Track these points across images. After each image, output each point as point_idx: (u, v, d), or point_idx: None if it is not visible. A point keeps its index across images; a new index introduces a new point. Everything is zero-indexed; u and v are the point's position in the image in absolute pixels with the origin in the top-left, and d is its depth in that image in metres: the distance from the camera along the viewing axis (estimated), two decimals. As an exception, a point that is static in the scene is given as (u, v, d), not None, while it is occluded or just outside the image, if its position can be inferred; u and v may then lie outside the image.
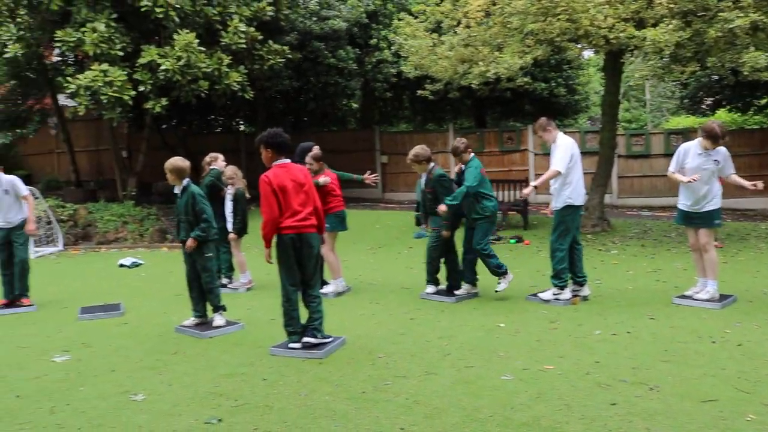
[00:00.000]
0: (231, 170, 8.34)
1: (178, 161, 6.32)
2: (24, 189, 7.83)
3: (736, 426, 3.74)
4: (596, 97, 27.23)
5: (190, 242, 6.24)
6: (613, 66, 12.70)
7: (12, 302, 7.79)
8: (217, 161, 8.49)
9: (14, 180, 7.81)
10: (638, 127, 31.48)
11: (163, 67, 12.70)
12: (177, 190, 6.38)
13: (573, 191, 6.95)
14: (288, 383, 4.69)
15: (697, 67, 11.75)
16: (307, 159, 7.74)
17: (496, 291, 7.35)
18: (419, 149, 7.42)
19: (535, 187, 7.07)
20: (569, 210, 6.99)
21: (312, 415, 4.07)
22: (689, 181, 6.56)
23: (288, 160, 5.54)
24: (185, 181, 6.34)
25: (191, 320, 6.47)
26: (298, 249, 5.40)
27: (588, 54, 21.40)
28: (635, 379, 4.55)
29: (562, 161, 6.87)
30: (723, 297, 6.85)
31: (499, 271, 7.30)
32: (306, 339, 5.47)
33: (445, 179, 7.43)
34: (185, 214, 6.31)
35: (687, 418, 3.85)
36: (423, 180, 7.58)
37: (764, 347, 5.24)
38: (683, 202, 6.87)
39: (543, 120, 7.19)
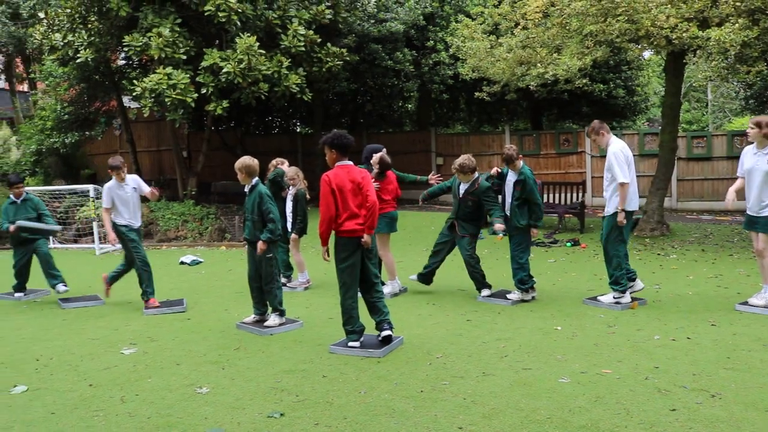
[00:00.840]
0: (292, 171, 8.50)
1: (248, 160, 6.48)
2: (146, 186, 7.93)
3: (801, 435, 3.68)
4: (656, 98, 26.67)
5: (260, 245, 6.34)
6: (674, 67, 12.46)
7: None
8: (283, 165, 8.70)
9: (138, 178, 7.92)
10: (699, 129, 30.72)
11: (224, 70, 13.01)
12: (246, 189, 6.52)
13: (626, 197, 6.88)
14: (347, 380, 4.79)
15: (764, 67, 11.44)
16: (373, 160, 7.83)
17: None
18: (465, 160, 7.56)
19: (623, 210, 6.91)
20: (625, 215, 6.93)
21: (372, 413, 4.16)
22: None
23: (350, 162, 5.64)
24: (254, 180, 6.48)
25: (252, 317, 6.64)
26: (359, 250, 5.51)
27: (648, 54, 20.98)
28: (696, 385, 4.50)
29: (623, 172, 6.80)
30: (788, 304, 6.67)
31: (521, 286, 7.41)
32: (385, 333, 5.58)
33: (491, 192, 7.53)
34: (251, 212, 6.46)
35: (752, 428, 3.79)
36: (463, 187, 7.64)
37: (832, 356, 5.11)
38: (747, 205, 6.73)
39: (596, 123, 7.15)
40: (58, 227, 9.59)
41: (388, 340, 5.57)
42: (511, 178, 7.45)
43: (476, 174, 7.62)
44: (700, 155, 17.34)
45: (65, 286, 8.53)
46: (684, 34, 9.97)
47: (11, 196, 8.74)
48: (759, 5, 9.78)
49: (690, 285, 8.24)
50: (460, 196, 7.66)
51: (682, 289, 7.95)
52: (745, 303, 6.79)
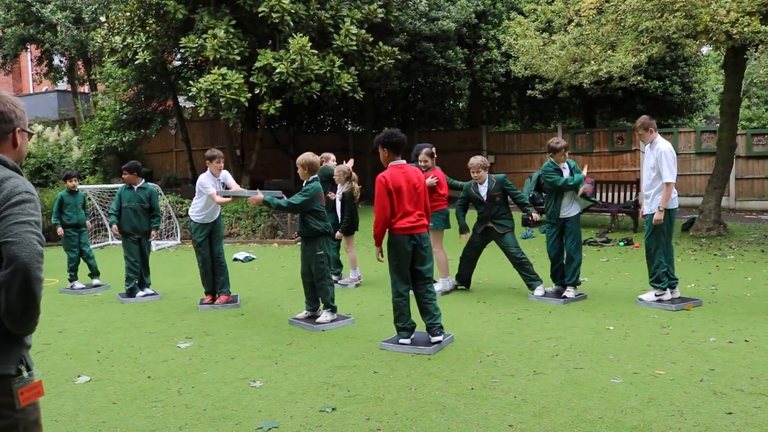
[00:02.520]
0: (339, 172, 8.51)
1: (309, 156, 6.58)
2: (235, 184, 7.96)
3: None
4: (714, 95, 25.95)
5: (256, 198, 6.47)
6: (734, 62, 12.13)
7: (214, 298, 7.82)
8: (328, 161, 8.77)
9: (228, 175, 7.92)
10: (760, 126, 29.76)
11: (277, 70, 13.21)
12: (304, 184, 6.61)
13: (669, 197, 6.88)
14: (398, 377, 4.84)
15: (829, 63, 11.05)
16: (421, 156, 7.87)
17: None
18: (484, 158, 7.84)
19: (663, 210, 6.88)
20: (666, 214, 6.90)
21: (422, 409, 4.20)
22: None
23: (404, 161, 5.68)
24: (313, 176, 6.57)
25: (304, 313, 6.75)
26: (412, 248, 5.54)
27: (706, 50, 20.45)
28: (754, 389, 4.40)
29: (672, 172, 6.81)
30: None
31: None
32: (435, 338, 5.57)
33: (508, 180, 7.90)
34: None
35: (810, 431, 3.71)
36: (483, 188, 7.74)
37: None
38: None
39: (646, 118, 7.05)
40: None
41: (435, 344, 5.57)
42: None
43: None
44: (760, 153, 16.83)
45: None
46: (745, 29, 9.70)
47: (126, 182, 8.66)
48: (825, -3, 9.47)
49: (748, 286, 8.03)
50: (485, 197, 7.65)
51: (739, 291, 7.76)
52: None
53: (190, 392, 4.67)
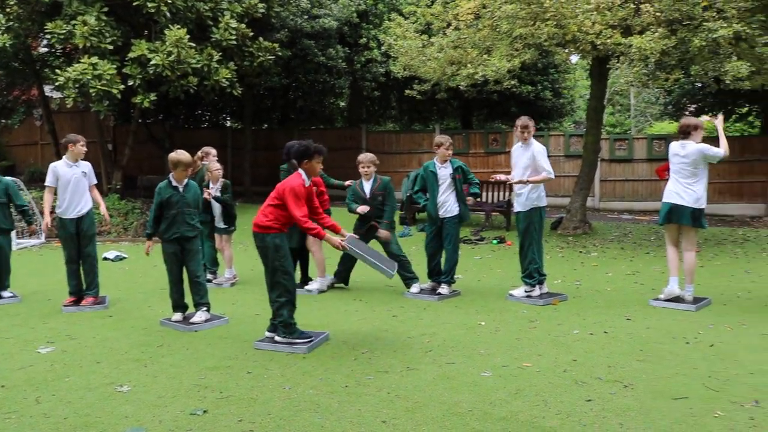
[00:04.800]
0: (213, 171, 8.23)
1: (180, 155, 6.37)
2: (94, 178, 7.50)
3: (704, 422, 3.88)
4: (581, 101, 27.49)
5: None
6: (599, 71, 12.88)
7: (80, 299, 7.35)
8: (208, 156, 8.52)
9: (88, 166, 7.42)
10: (622, 132, 31.80)
11: (153, 62, 12.72)
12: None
13: (539, 195, 7.28)
14: (272, 376, 4.77)
15: (681, 75, 11.97)
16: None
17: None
18: (372, 156, 7.92)
19: (527, 182, 7.21)
20: (537, 212, 7.27)
21: (296, 408, 4.16)
22: None
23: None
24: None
25: (179, 314, 6.52)
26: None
27: (575, 58, 21.61)
28: (610, 377, 4.68)
29: (550, 167, 7.19)
30: (698, 299, 7.02)
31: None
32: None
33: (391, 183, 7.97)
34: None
35: (659, 415, 3.98)
36: (367, 186, 7.80)
37: (735, 348, 5.41)
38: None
39: (528, 120, 7.30)
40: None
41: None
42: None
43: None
44: (622, 157, 17.98)
45: None
46: (608, 41, 10.32)
47: None
48: (677, 16, 10.22)
49: (609, 281, 8.55)
50: (368, 194, 7.73)
51: (601, 286, 8.25)
52: (658, 298, 7.11)
53: (50, 400, 4.39)
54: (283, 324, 5.51)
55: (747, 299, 7.44)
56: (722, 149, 6.75)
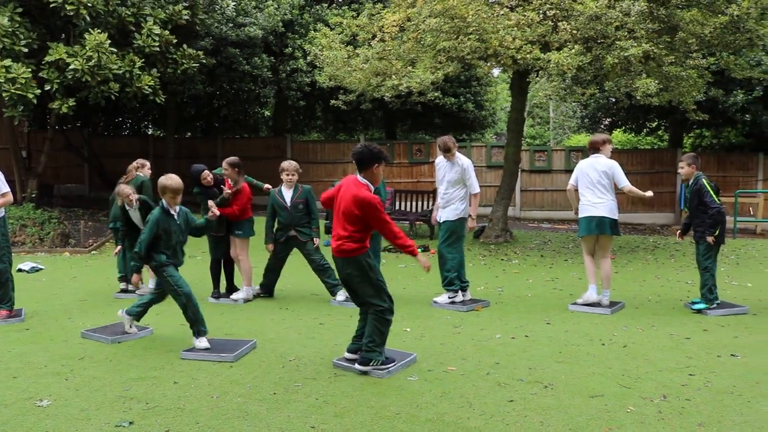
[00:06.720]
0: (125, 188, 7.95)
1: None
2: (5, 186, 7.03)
3: (618, 417, 4.12)
4: (503, 113, 28.25)
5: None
6: (519, 85, 13.30)
7: None
8: (143, 168, 8.36)
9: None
10: (541, 144, 32.82)
11: (71, 67, 12.34)
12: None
13: (464, 205, 7.53)
14: (199, 386, 4.74)
15: (596, 90, 12.53)
16: (224, 165, 7.75)
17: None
18: (293, 163, 7.82)
19: (471, 217, 7.61)
20: (461, 222, 7.51)
21: (224, 416, 4.16)
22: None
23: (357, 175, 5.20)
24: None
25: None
26: None
27: (496, 72, 22.21)
28: (531, 378, 4.88)
29: (477, 182, 7.54)
30: (613, 303, 7.39)
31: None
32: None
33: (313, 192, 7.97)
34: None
35: (576, 412, 4.19)
36: (288, 194, 7.78)
37: (645, 348, 5.75)
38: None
39: (448, 140, 7.48)
40: None
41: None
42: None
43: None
44: (541, 168, 18.59)
45: None
46: (528, 55, 10.70)
47: None
48: (592, 35, 10.71)
49: (529, 287, 8.85)
50: (289, 203, 7.69)
51: (522, 292, 8.53)
52: (577, 303, 7.42)
53: (-37, 416, 4.23)
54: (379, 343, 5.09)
55: (657, 302, 7.88)
56: (628, 184, 7.17)
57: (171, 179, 5.75)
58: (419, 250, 12.11)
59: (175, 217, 5.77)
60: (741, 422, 4.07)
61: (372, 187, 5.03)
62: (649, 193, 7.28)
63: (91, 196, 19.08)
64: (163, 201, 5.76)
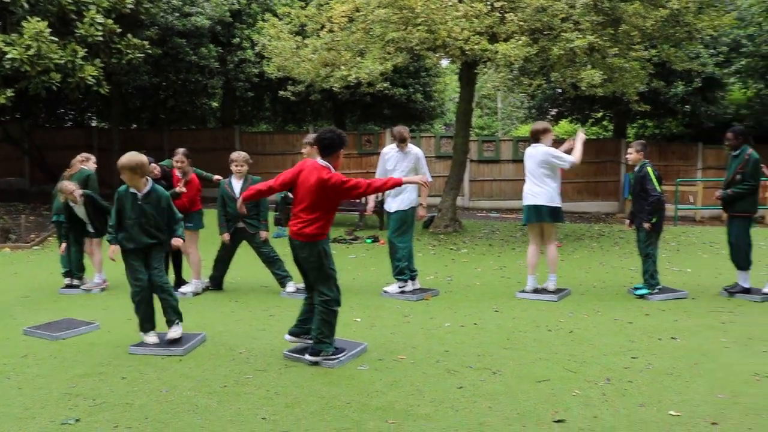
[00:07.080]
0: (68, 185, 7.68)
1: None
2: None
3: (564, 400, 4.24)
4: (452, 104, 28.47)
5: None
6: (467, 76, 13.42)
7: None
8: (88, 162, 8.19)
9: None
10: (489, 134, 33.18)
11: (9, 56, 11.95)
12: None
13: (415, 195, 7.66)
14: (148, 381, 4.69)
15: (543, 81, 12.74)
16: (176, 157, 7.65)
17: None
18: (244, 155, 7.72)
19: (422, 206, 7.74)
20: (412, 211, 7.63)
21: (174, 410, 4.12)
22: None
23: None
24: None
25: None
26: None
27: (445, 63, 22.35)
28: (480, 365, 4.97)
29: (428, 171, 7.72)
30: (560, 290, 7.55)
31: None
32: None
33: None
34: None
35: (524, 397, 4.29)
36: (237, 185, 7.70)
37: (590, 333, 5.91)
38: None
39: (404, 130, 7.61)
40: None
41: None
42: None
43: None
44: (489, 158, 18.82)
45: None
46: (476, 47, 10.80)
47: None
48: (539, 26, 10.88)
49: (478, 276, 8.99)
50: (238, 194, 7.46)
51: (471, 280, 8.66)
52: (524, 291, 7.56)
53: None
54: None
55: (602, 288, 8.09)
56: (574, 157, 7.29)
57: (125, 157, 5.47)
58: (367, 240, 12.23)
59: (139, 196, 5.48)
60: (679, 401, 4.22)
61: (333, 171, 5.02)
62: (581, 135, 7.48)
63: (32, 190, 18.55)
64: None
